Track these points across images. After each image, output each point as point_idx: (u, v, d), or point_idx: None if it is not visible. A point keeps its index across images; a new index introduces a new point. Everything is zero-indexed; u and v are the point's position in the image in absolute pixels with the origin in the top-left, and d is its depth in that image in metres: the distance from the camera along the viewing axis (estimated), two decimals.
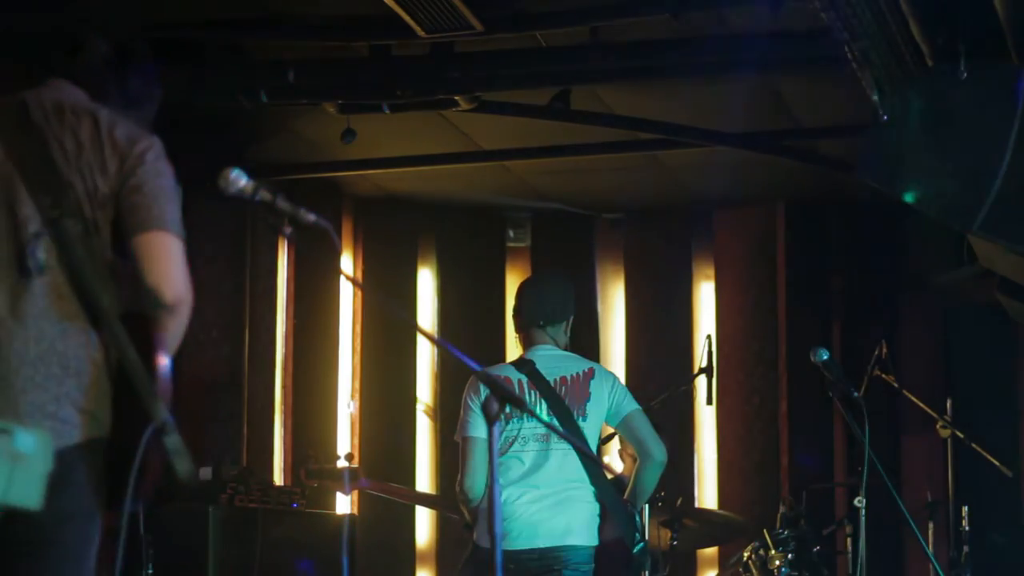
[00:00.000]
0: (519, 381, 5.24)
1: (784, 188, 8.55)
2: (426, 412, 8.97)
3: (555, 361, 5.32)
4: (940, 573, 5.75)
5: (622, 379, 5.54)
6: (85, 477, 3.11)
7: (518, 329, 5.48)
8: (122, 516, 3.07)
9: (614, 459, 8.45)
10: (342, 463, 6.54)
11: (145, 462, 3.07)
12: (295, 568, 6.84)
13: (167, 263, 3.17)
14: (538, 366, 5.28)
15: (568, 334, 5.47)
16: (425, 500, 7.98)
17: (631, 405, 5.32)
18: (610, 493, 5.28)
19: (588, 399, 5.26)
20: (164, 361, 3.16)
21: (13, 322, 3.09)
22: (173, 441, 3.07)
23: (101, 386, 3.15)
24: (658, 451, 5.28)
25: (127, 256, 3.18)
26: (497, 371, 5.31)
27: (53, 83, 3.40)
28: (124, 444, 3.12)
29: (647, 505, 5.56)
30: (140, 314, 3.17)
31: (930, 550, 6.24)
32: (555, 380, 5.26)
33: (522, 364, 5.31)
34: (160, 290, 3.15)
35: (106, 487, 3.15)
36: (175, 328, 3.23)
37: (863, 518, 5.55)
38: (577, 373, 5.30)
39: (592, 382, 5.29)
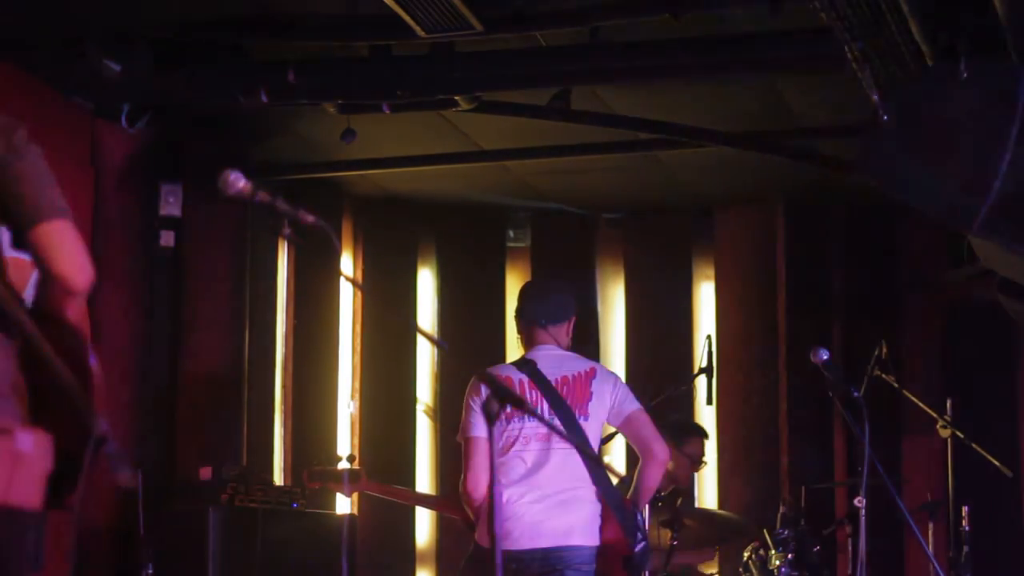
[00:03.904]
0: (520, 381, 5.25)
1: (784, 188, 8.55)
2: (426, 412, 8.97)
3: (556, 361, 5.32)
4: (940, 573, 5.75)
5: (622, 379, 5.54)
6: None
7: (520, 330, 5.49)
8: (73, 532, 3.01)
9: (616, 459, 8.46)
10: (344, 464, 6.54)
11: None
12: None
13: (73, 250, 3.12)
14: (539, 366, 5.29)
15: (571, 335, 5.48)
16: (425, 501, 7.98)
17: (632, 404, 5.33)
18: (612, 493, 5.29)
19: (590, 399, 5.26)
20: (96, 368, 3.10)
21: None
22: (112, 451, 3.02)
23: (24, 398, 3.10)
24: (660, 449, 5.29)
25: (22, 247, 3.13)
26: (498, 371, 5.32)
27: None
28: (54, 449, 3.08)
29: (647, 505, 5.56)
30: (50, 318, 3.12)
31: (930, 550, 6.23)
32: (556, 380, 5.26)
33: (523, 364, 5.32)
34: (71, 278, 3.11)
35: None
36: (77, 309, 3.17)
37: (863, 518, 5.55)
38: (579, 373, 5.31)
39: (594, 382, 5.30)
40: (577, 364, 5.35)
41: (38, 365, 3.04)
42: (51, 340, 3.04)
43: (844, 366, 7.69)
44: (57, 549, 3.39)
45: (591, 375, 5.32)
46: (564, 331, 5.44)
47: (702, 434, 7.17)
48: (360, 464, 7.60)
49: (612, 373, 5.45)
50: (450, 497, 6.21)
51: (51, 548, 3.15)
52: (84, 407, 3.02)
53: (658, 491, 6.67)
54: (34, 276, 3.19)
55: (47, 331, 3.05)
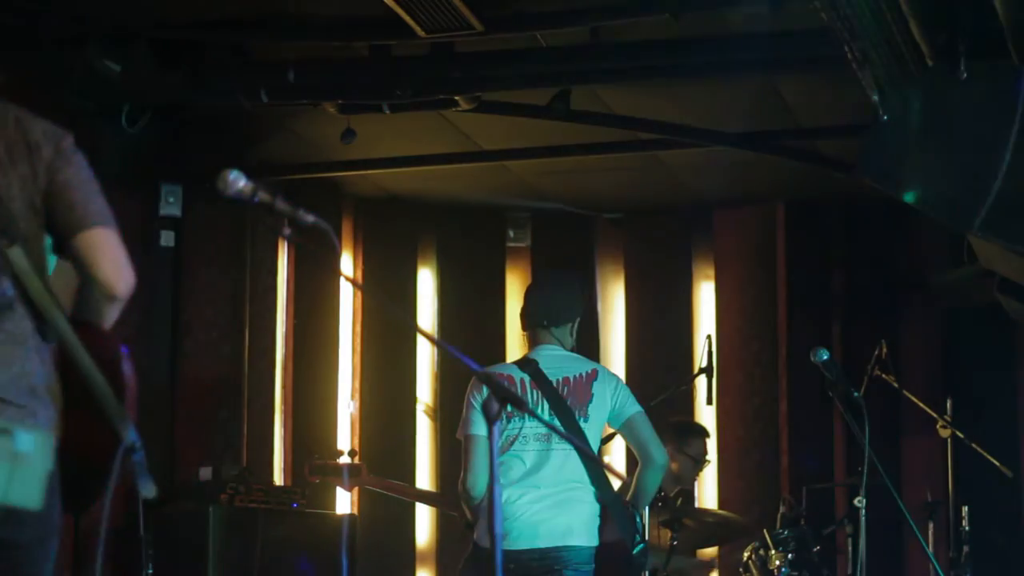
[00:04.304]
0: (521, 380, 5.25)
1: (784, 188, 8.55)
2: (426, 412, 8.97)
3: (558, 361, 5.32)
4: (940, 573, 5.75)
5: (622, 379, 5.54)
6: (54, 494, 3.10)
7: (524, 328, 5.48)
8: (100, 537, 3.04)
9: (615, 459, 8.45)
10: (344, 459, 6.55)
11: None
12: (295, 568, 6.84)
13: (116, 257, 3.17)
14: (541, 366, 5.29)
15: (575, 335, 5.48)
16: (425, 497, 7.98)
17: (633, 407, 5.32)
18: (611, 493, 5.28)
19: (590, 400, 5.26)
20: (130, 376, 3.13)
21: None
22: (139, 460, 3.05)
23: (59, 401, 3.13)
24: (659, 454, 5.29)
25: (64, 253, 3.16)
26: (500, 370, 5.32)
27: None
28: (82, 453, 3.10)
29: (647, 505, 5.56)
30: (87, 325, 3.14)
31: (930, 550, 6.24)
32: (558, 380, 5.26)
33: (525, 364, 5.32)
34: (114, 284, 3.16)
35: (63, 496, 3.12)
36: (115, 315, 3.23)
37: (863, 518, 5.55)
38: (580, 374, 5.30)
39: (595, 383, 5.29)
40: (579, 365, 5.35)
41: (72, 369, 3.07)
42: (88, 346, 3.06)
43: (844, 366, 7.69)
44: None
45: (592, 377, 5.32)
46: (568, 332, 5.44)
47: (703, 433, 7.17)
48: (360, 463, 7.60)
49: (614, 375, 5.44)
50: (450, 494, 6.20)
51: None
52: (116, 414, 3.03)
53: (664, 493, 6.67)
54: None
55: (84, 337, 3.08)
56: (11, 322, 3.05)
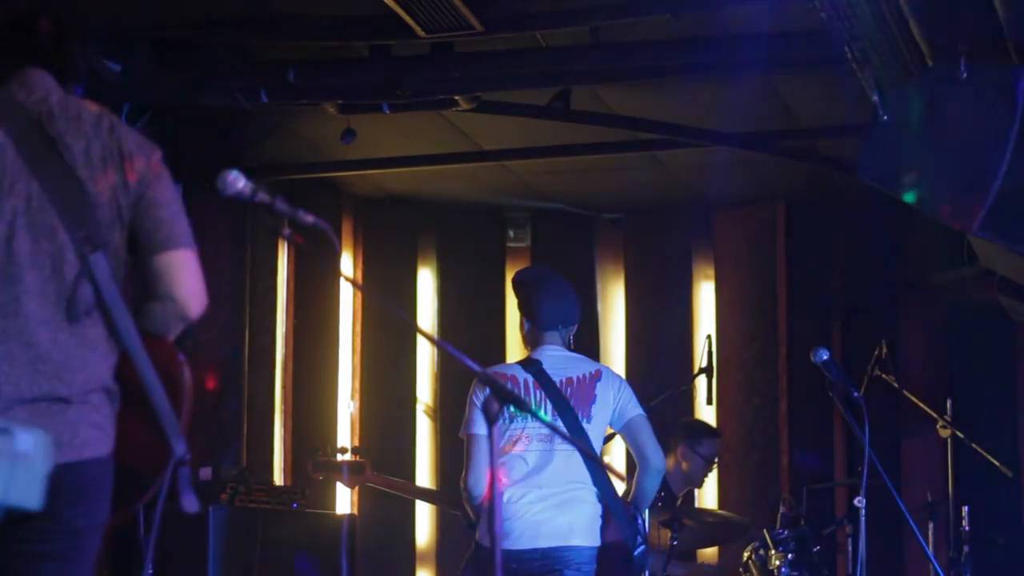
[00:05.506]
0: (525, 381, 5.24)
1: (784, 188, 8.55)
2: (426, 412, 8.97)
3: (562, 362, 5.32)
4: (940, 573, 5.75)
5: (627, 382, 5.52)
6: (102, 493, 3.13)
7: (533, 327, 5.40)
8: (146, 550, 3.09)
9: (616, 460, 8.45)
10: (348, 456, 6.55)
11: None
12: (295, 568, 6.84)
13: (195, 280, 3.24)
14: (545, 366, 5.28)
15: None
16: (428, 495, 7.98)
17: (635, 410, 5.32)
18: (612, 494, 5.28)
19: (593, 401, 5.25)
20: (189, 388, 3.17)
21: (58, 354, 3.07)
22: (186, 475, 3.10)
23: (117, 406, 3.17)
24: (657, 459, 5.29)
25: (141, 269, 3.21)
26: (504, 370, 5.31)
27: (32, 74, 3.27)
28: (123, 459, 3.14)
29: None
30: (150, 335, 3.19)
31: (930, 550, 6.23)
32: (561, 381, 5.26)
33: (529, 364, 5.31)
34: (191, 307, 3.23)
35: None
36: (179, 330, 3.29)
37: (863, 518, 5.55)
38: (584, 375, 5.30)
39: (599, 384, 5.29)
40: (583, 366, 5.34)
41: (126, 376, 3.13)
42: (150, 356, 3.13)
43: (844, 366, 7.69)
44: None
45: (596, 377, 5.31)
46: (571, 332, 5.44)
47: (715, 434, 7.20)
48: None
49: (618, 376, 5.44)
50: (451, 493, 6.20)
51: None
52: (170, 426, 3.09)
53: (672, 493, 6.67)
54: None
55: (147, 346, 3.14)
56: (86, 327, 3.10)
